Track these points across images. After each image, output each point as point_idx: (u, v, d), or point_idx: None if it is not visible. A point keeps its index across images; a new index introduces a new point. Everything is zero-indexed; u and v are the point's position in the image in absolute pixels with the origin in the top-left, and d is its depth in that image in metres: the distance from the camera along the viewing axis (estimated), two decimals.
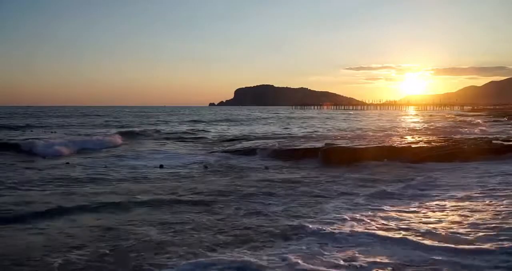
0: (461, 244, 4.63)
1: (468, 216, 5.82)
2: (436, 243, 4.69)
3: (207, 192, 7.74)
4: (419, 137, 18.78)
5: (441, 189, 7.95)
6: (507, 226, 5.26)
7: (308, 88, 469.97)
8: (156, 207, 6.66)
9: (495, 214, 5.85)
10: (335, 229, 5.26)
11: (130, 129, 26.88)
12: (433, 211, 6.24)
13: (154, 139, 20.76)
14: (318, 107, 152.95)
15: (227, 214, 6.20)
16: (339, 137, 20.07)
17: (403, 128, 29.96)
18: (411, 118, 53.14)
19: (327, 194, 7.63)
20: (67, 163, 11.79)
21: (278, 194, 7.58)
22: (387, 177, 9.53)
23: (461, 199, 6.98)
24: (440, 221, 5.62)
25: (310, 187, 8.24)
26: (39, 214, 6.16)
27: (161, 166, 11.18)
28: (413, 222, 5.64)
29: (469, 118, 44.21)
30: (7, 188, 8.15)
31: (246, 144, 16.79)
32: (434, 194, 7.44)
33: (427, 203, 6.79)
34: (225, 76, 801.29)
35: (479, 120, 38.27)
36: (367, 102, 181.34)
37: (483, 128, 26.86)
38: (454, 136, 18.71)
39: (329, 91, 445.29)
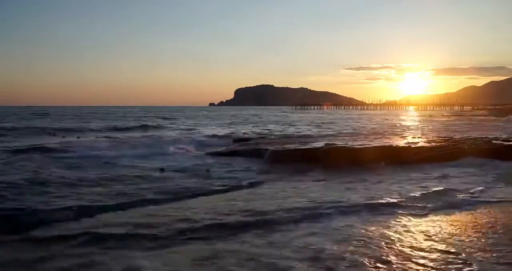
0: None
1: None
2: None
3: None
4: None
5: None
6: None
7: (308, 88, 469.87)
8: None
9: None
10: None
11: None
12: None
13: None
14: (318, 107, 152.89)
15: None
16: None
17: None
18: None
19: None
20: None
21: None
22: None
23: None
24: None
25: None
26: None
27: (162, 170, 11.13)
28: None
29: None
30: None
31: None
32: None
33: None
34: (225, 76, 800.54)
35: None
36: (367, 102, 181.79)
37: None
38: (454, 136, 18.72)
39: (329, 91, 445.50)
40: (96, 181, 9.01)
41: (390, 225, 5.74)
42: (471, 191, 7.94)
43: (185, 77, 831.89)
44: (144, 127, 29.62)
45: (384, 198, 7.35)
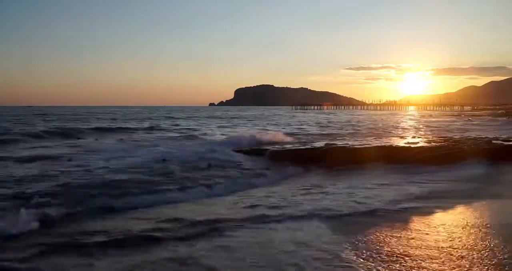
0: None
1: None
2: None
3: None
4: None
5: None
6: None
7: (308, 88, 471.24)
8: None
9: None
10: None
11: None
12: None
13: None
14: (318, 107, 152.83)
15: None
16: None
17: None
18: None
19: None
20: None
21: None
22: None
23: None
24: None
25: None
26: None
27: (163, 161, 11.17)
28: None
29: None
30: None
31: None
32: None
33: None
34: (225, 76, 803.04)
35: None
36: (367, 102, 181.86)
37: None
38: (454, 136, 18.71)
39: (329, 91, 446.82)
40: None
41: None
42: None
43: (185, 77, 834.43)
44: (160, 128, 29.84)
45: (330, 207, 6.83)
